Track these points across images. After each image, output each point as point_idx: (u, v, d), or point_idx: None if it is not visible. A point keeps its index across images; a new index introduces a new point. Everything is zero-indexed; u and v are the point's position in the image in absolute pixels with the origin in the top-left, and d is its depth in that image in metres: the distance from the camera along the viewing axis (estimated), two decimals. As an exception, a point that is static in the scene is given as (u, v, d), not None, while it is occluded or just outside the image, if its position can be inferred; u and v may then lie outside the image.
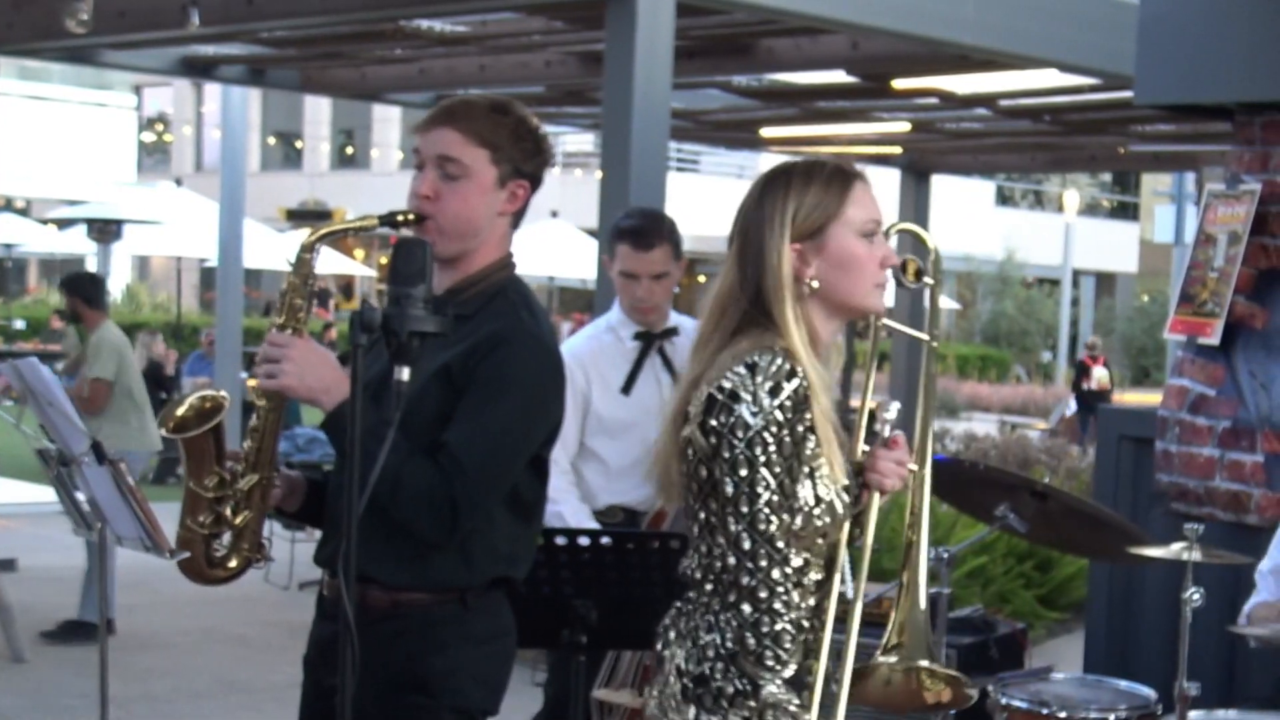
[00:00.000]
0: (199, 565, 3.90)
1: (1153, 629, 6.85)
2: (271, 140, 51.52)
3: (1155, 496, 6.97)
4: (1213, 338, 6.70)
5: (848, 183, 3.48)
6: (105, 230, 17.31)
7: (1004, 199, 54.06)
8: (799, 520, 3.32)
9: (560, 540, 4.54)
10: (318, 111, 49.49)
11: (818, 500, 3.34)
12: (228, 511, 3.85)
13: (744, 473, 3.28)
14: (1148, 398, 23.95)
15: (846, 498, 3.41)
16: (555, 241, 26.01)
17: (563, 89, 14.50)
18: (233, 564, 3.91)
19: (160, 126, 53.98)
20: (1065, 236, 43.72)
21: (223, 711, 8.99)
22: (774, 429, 3.28)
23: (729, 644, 3.34)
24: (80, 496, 5.84)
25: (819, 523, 3.35)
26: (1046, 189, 55.60)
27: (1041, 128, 15.36)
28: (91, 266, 27.46)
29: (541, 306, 4.02)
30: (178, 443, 3.83)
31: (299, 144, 51.52)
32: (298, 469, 4.12)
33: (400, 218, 3.84)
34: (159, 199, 29.17)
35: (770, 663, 3.31)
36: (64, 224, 29.81)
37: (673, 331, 6.03)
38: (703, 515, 3.39)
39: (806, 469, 3.33)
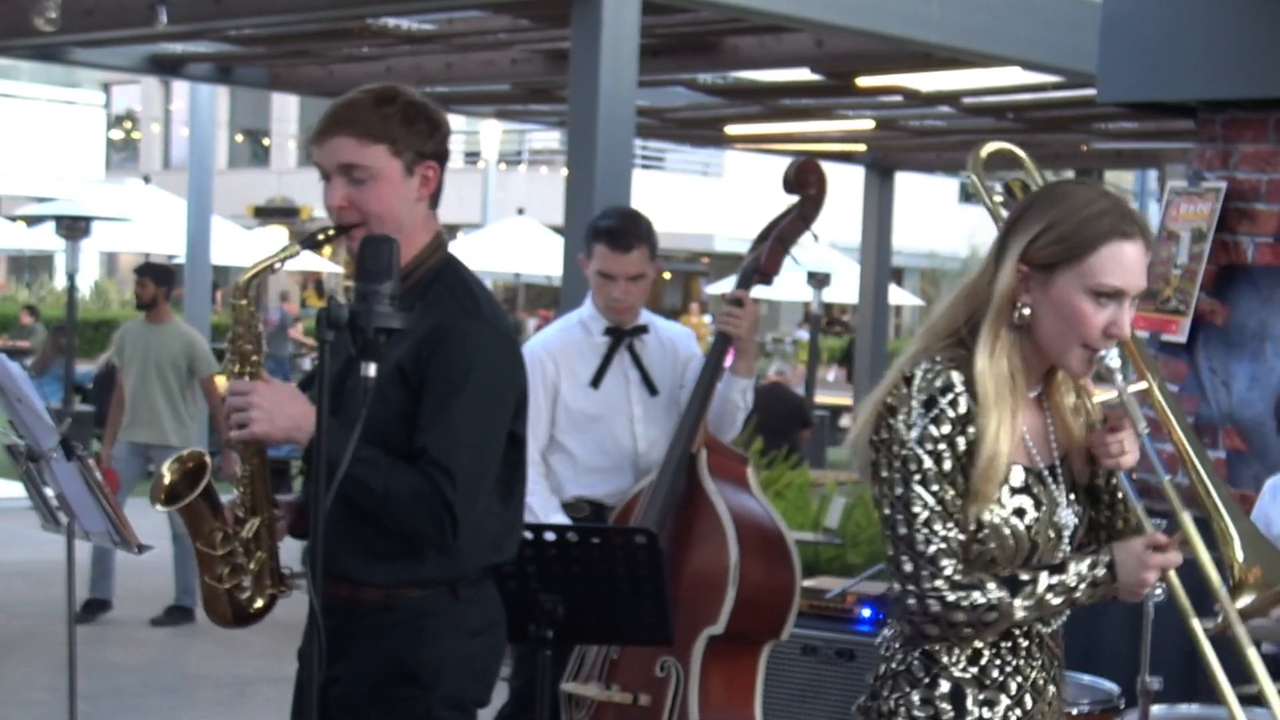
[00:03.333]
0: (227, 617, 3.89)
1: (1115, 624, 6.88)
2: (239, 138, 51.35)
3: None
4: (1179, 335, 6.72)
5: (1105, 238, 3.36)
6: (74, 227, 17.18)
7: (967, 196, 53.94)
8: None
9: (527, 535, 4.55)
10: (285, 109, 49.33)
11: (979, 525, 3.22)
12: (241, 560, 3.84)
13: (899, 491, 3.17)
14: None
15: (1019, 522, 3.29)
16: (521, 238, 26.00)
17: (529, 87, 14.52)
18: (259, 605, 3.89)
19: (128, 124, 53.77)
20: (1030, 233, 43.73)
21: (190, 706, 8.99)
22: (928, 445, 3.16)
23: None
24: (49, 492, 5.86)
25: (983, 547, 3.24)
26: (1012, 186, 55.61)
27: (1005, 125, 15.39)
28: (60, 263, 27.37)
29: (479, 282, 4.00)
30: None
31: (266, 141, 51.35)
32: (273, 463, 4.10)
33: (321, 236, 3.83)
34: (127, 196, 29.11)
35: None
36: (32, 221, 29.70)
37: (642, 329, 6.06)
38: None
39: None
